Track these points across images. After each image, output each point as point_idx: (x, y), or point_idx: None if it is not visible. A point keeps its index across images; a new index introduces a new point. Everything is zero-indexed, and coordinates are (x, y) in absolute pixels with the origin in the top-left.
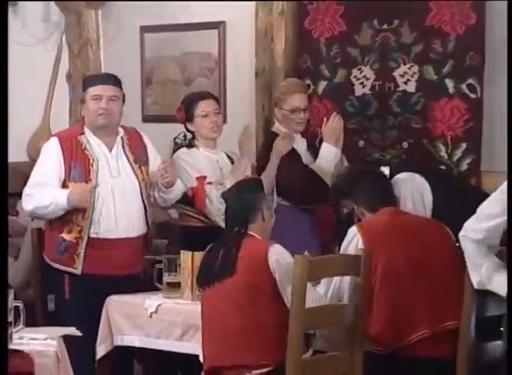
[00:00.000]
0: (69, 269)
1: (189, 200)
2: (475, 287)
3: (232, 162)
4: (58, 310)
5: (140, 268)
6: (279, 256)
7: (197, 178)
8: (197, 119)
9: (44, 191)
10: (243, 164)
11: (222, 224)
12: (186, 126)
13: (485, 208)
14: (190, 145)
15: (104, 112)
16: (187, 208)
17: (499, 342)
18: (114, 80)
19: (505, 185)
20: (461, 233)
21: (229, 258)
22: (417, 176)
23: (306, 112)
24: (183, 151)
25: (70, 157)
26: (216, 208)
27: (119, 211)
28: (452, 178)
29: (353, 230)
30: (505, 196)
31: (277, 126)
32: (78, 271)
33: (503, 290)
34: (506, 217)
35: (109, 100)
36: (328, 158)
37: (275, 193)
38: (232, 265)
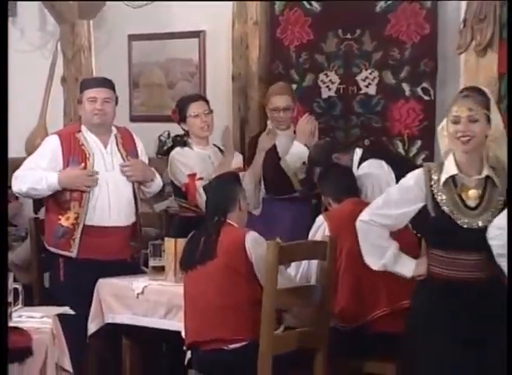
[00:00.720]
0: (66, 253)
1: (184, 194)
2: (377, 269)
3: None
4: (53, 291)
5: (127, 254)
6: (254, 242)
7: (188, 175)
8: (189, 119)
9: (34, 173)
10: (227, 162)
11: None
12: (181, 126)
13: (393, 194)
14: (184, 144)
15: (98, 112)
16: (183, 201)
17: None
18: (108, 84)
19: (414, 173)
20: (365, 219)
21: (210, 244)
22: (385, 165)
23: (286, 111)
24: (177, 151)
25: (69, 152)
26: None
27: (113, 202)
28: (410, 166)
29: (320, 219)
30: (419, 184)
31: (269, 124)
32: (73, 254)
33: (408, 271)
34: (420, 205)
35: (103, 102)
36: (295, 155)
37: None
38: (213, 250)
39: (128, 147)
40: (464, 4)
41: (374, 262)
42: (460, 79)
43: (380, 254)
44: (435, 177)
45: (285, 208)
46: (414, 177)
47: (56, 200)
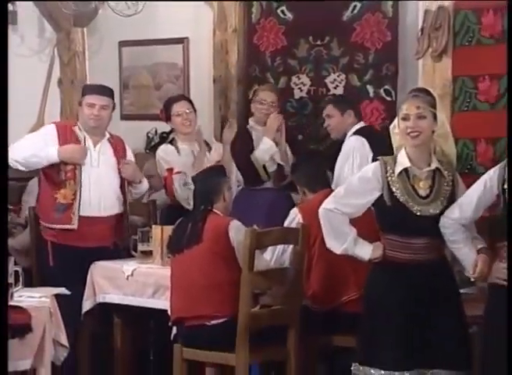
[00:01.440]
0: (67, 226)
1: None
2: (339, 253)
3: (210, 148)
4: (44, 275)
5: (110, 241)
6: (236, 229)
7: (167, 169)
8: (173, 118)
9: (34, 145)
10: (201, 158)
11: (187, 206)
12: (169, 124)
13: (354, 185)
14: (170, 141)
15: (94, 117)
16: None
17: None
18: (107, 92)
19: (371, 166)
20: (329, 207)
21: (197, 230)
22: (366, 144)
23: (270, 106)
24: (161, 149)
25: (65, 140)
26: (181, 194)
27: (93, 195)
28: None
29: (294, 212)
30: (376, 176)
31: (250, 120)
32: (75, 226)
33: (366, 254)
34: (377, 194)
35: (101, 108)
36: (264, 149)
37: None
38: (199, 235)
39: (119, 152)
40: (421, 14)
41: (336, 247)
42: (418, 81)
43: (342, 239)
44: (390, 170)
45: (261, 197)
46: (371, 170)
47: (52, 181)
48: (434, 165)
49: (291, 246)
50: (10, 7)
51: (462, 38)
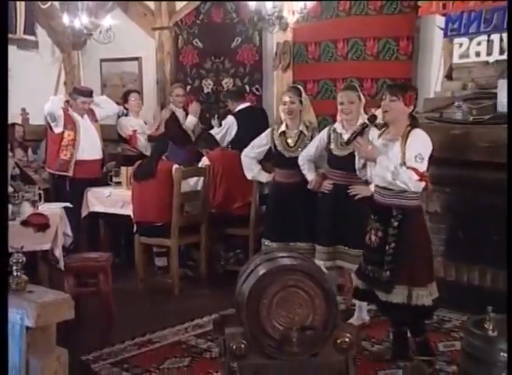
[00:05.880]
0: (67, 173)
1: (128, 142)
2: (250, 178)
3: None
4: (62, 195)
5: (100, 174)
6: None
7: (133, 130)
8: (130, 101)
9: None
10: (154, 124)
11: (145, 152)
12: (124, 105)
13: (256, 141)
14: (127, 115)
15: (85, 110)
16: (127, 146)
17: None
18: (91, 94)
19: (267, 130)
20: (244, 154)
21: (152, 170)
22: (234, 119)
23: (182, 97)
24: (124, 118)
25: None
26: (142, 145)
27: (91, 147)
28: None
29: (204, 158)
30: (268, 136)
31: (170, 105)
32: (71, 174)
33: (263, 179)
34: (268, 146)
35: (88, 105)
36: (190, 122)
37: None
38: (153, 173)
39: (93, 117)
40: (275, 45)
41: (248, 175)
42: (274, 84)
43: (251, 170)
44: (275, 132)
45: (185, 153)
46: (266, 132)
47: (57, 144)
48: (300, 129)
49: (202, 178)
50: (33, 38)
51: (298, 59)
